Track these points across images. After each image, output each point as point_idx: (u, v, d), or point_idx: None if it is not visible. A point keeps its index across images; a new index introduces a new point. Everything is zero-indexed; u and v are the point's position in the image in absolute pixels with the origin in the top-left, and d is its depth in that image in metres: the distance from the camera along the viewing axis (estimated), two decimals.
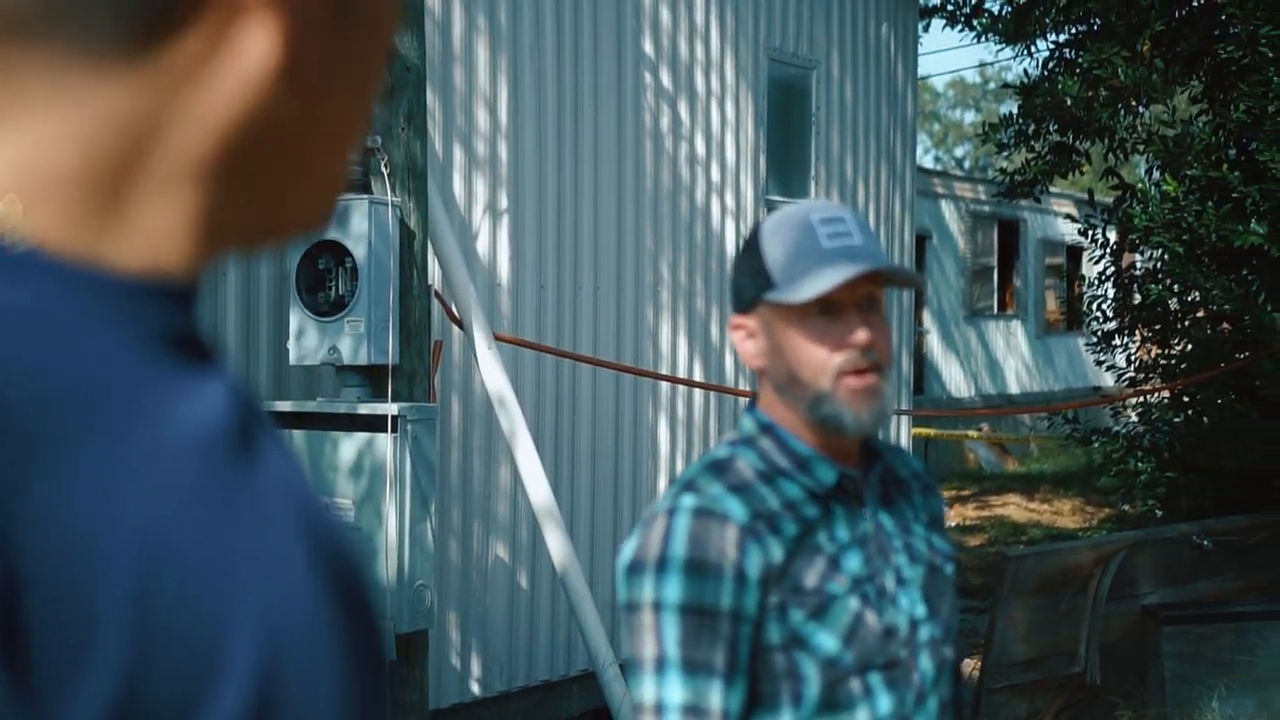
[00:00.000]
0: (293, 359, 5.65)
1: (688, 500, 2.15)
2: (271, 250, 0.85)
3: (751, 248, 2.25)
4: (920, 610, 2.26)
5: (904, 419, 10.18)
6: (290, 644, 0.72)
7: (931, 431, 17.62)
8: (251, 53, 0.74)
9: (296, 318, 5.60)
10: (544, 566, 6.67)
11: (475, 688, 6.85)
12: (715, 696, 2.09)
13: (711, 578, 2.10)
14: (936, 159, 47.00)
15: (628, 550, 2.17)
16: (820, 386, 2.18)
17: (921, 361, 20.55)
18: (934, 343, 21.06)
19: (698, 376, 8.08)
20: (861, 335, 2.17)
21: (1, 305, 0.68)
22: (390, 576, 5.29)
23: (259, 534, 0.73)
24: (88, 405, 0.68)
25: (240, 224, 0.79)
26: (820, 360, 2.18)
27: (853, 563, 2.20)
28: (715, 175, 8.28)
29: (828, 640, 2.14)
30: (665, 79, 7.90)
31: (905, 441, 10.16)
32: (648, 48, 7.79)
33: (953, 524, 16.44)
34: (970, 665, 7.92)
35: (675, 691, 2.09)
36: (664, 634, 2.10)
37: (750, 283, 2.24)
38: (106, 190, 0.73)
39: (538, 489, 5.92)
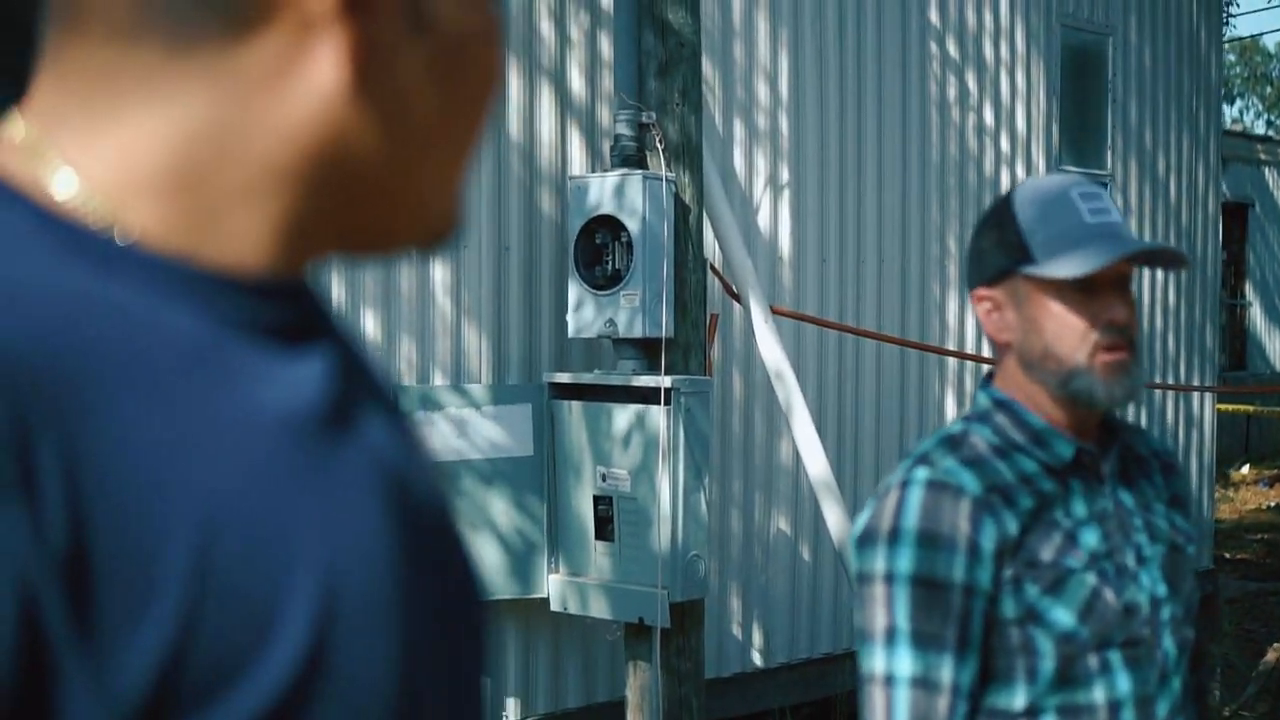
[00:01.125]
0: (571, 331, 5.76)
1: (921, 473, 2.14)
2: (383, 259, 0.89)
3: (1003, 218, 2.21)
4: (1162, 589, 2.21)
5: (1206, 396, 9.83)
6: (351, 608, 0.76)
7: (1253, 408, 16.98)
8: (322, 66, 0.78)
9: (575, 291, 5.71)
10: (826, 540, 6.66)
11: (757, 658, 6.88)
12: (946, 670, 2.08)
13: (944, 550, 2.09)
14: (1270, 123, 45.05)
15: (860, 522, 2.18)
16: (1076, 361, 2.16)
17: (1242, 335, 19.82)
18: (1256, 315, 20.28)
19: (985, 352, 7.94)
20: (1120, 312, 2.16)
21: (93, 291, 0.73)
22: (664, 546, 5.36)
23: (331, 506, 0.78)
24: (160, 381, 0.73)
25: (333, 233, 0.83)
26: (1079, 335, 2.16)
27: (1090, 538, 2.16)
28: (1005, 146, 8.12)
29: (1064, 615, 2.11)
30: (952, 48, 7.78)
31: (1210, 419, 9.81)
32: (934, 17, 7.68)
33: (1274, 503, 15.83)
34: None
35: (905, 663, 2.08)
36: (895, 606, 2.09)
37: (1000, 254, 2.21)
38: (195, 191, 0.78)
39: (816, 463, 5.91)
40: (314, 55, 0.78)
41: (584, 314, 5.69)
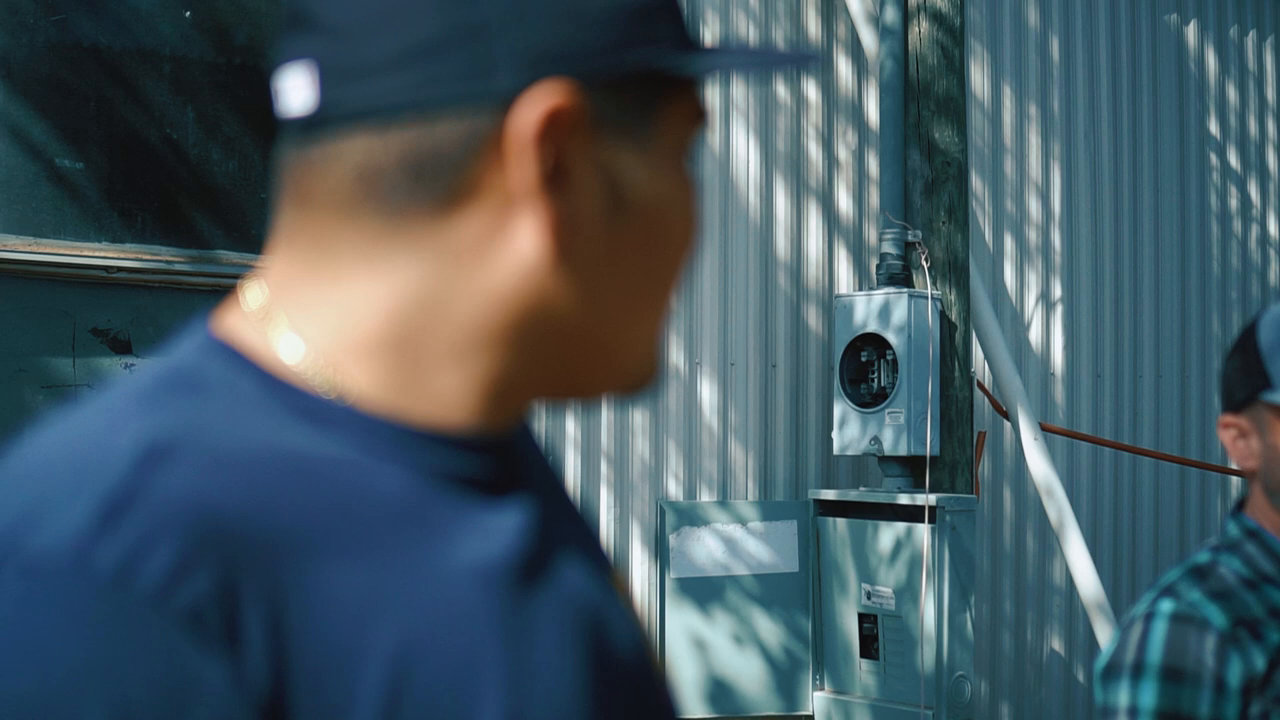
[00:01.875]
0: (836, 448, 5.79)
1: (1166, 606, 2.11)
2: (585, 406, 0.95)
3: (1246, 345, 2.19)
4: None
5: None
6: None
7: None
8: (524, 239, 0.85)
9: (840, 408, 5.75)
10: None
11: None
12: None
13: (1189, 686, 2.06)
14: None
15: (1105, 655, 2.16)
16: None
17: None
18: None
19: None
20: None
21: (311, 451, 0.82)
22: (929, 666, 5.31)
23: (522, 651, 0.84)
24: (365, 536, 0.82)
25: (535, 387, 0.90)
26: None
27: None
28: None
29: None
30: (1233, 159, 7.63)
31: None
32: (1214, 128, 7.55)
33: None
34: None
35: None
36: None
37: (1244, 381, 2.19)
38: (407, 355, 0.86)
39: (1088, 583, 5.81)
40: (517, 228, 0.85)
41: (849, 431, 5.72)
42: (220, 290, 5.04)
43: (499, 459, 0.89)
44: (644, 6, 0.87)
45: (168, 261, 4.96)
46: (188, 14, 5.06)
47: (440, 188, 0.84)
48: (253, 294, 0.89)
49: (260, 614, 0.75)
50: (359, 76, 0.84)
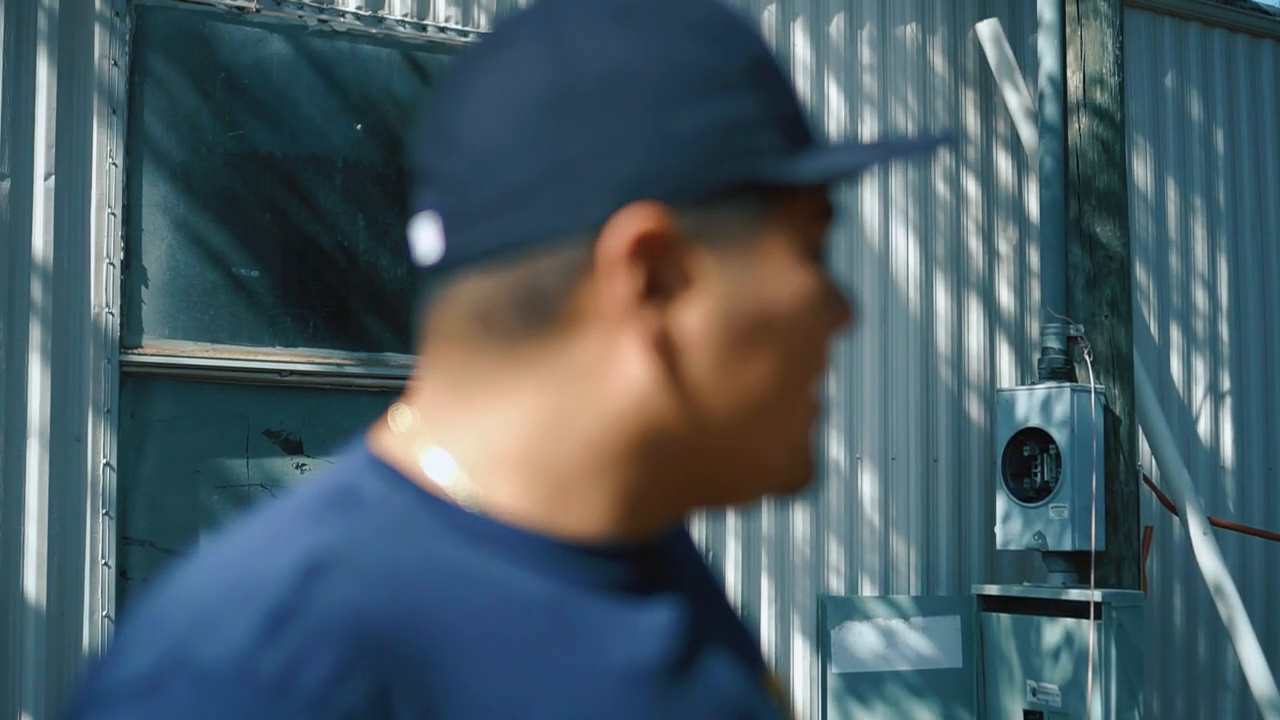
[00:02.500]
0: (999, 543, 5.76)
1: None
2: (739, 510, 0.99)
3: None
4: None
5: None
6: None
7: None
8: (631, 359, 0.90)
9: (1003, 503, 5.72)
10: None
11: None
12: None
13: None
14: None
15: None
16: None
17: None
18: None
19: None
20: None
21: (458, 560, 0.89)
22: None
23: None
24: (514, 642, 0.87)
25: (675, 497, 0.95)
26: None
27: None
28: None
29: None
30: None
31: None
32: None
33: None
34: None
35: None
36: None
37: None
38: (545, 472, 0.92)
39: (1261, 681, 5.69)
40: (623, 349, 0.89)
41: (1012, 526, 5.69)
42: (388, 391, 5.19)
43: (644, 564, 0.93)
44: (740, 122, 0.89)
45: (338, 364, 5.13)
46: (359, 126, 5.26)
47: (548, 317, 0.88)
48: (402, 418, 0.94)
49: (412, 717, 0.80)
50: (471, 222, 0.88)
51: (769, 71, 0.93)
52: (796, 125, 0.93)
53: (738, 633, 1.01)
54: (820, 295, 0.93)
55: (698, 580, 1.00)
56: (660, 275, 0.88)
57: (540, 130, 0.87)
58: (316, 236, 5.15)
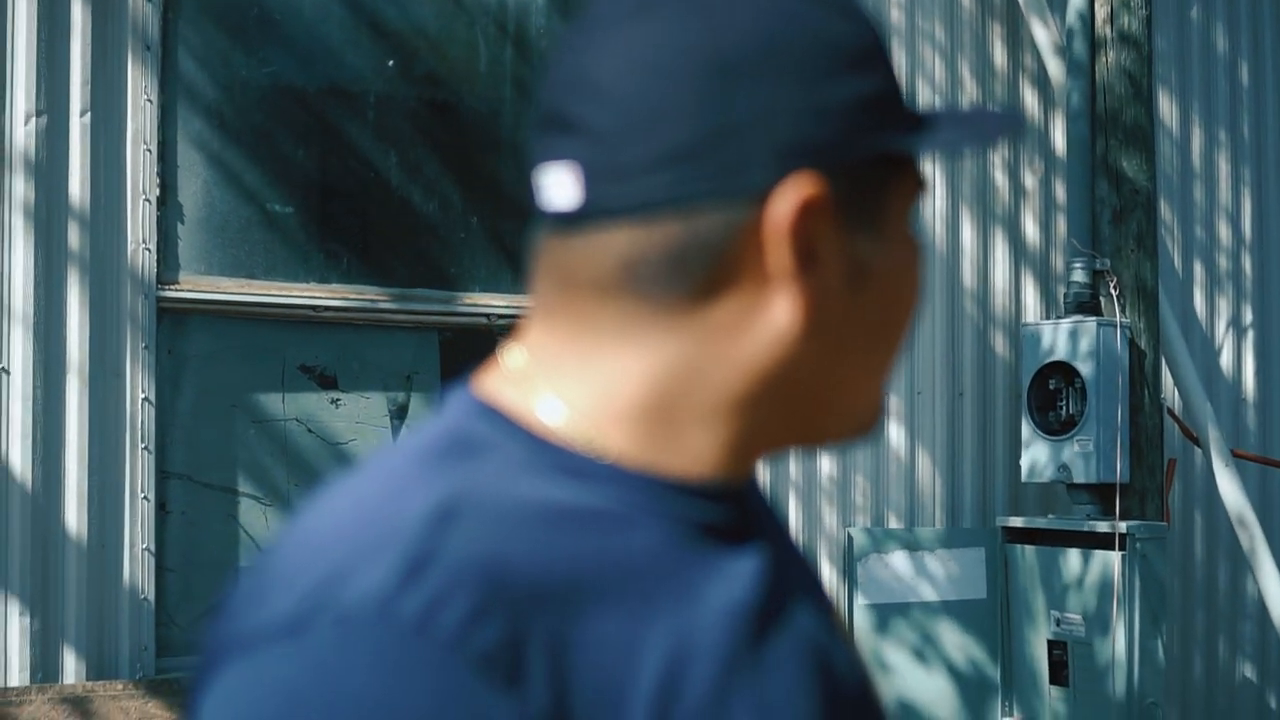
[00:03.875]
0: (1024, 476, 5.80)
1: None
2: (812, 451, 1.05)
3: None
4: None
5: None
6: None
7: None
8: (779, 316, 0.95)
9: (1028, 436, 5.77)
10: None
11: None
12: None
13: None
14: None
15: None
16: None
17: None
18: None
19: None
20: None
21: (577, 503, 0.93)
22: (1120, 693, 5.31)
23: (764, 686, 0.95)
24: (630, 584, 0.92)
25: (774, 439, 1.01)
26: None
27: None
28: None
29: None
30: None
31: None
32: None
33: None
34: None
35: None
36: None
37: None
38: (661, 418, 0.97)
39: None
40: (771, 306, 0.93)
41: (1037, 459, 5.74)
42: (422, 327, 5.24)
43: (739, 508, 0.97)
44: (878, 96, 0.95)
45: (372, 300, 5.17)
46: (391, 63, 5.27)
47: (699, 275, 0.92)
48: (513, 357, 0.98)
49: (542, 657, 0.84)
50: (622, 177, 0.91)
51: (886, 49, 0.98)
52: (908, 104, 0.99)
53: (809, 576, 1.06)
54: (920, 260, 1.00)
55: (773, 526, 1.05)
56: (814, 240, 0.92)
57: (703, 93, 0.90)
58: (349, 173, 5.18)
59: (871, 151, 0.94)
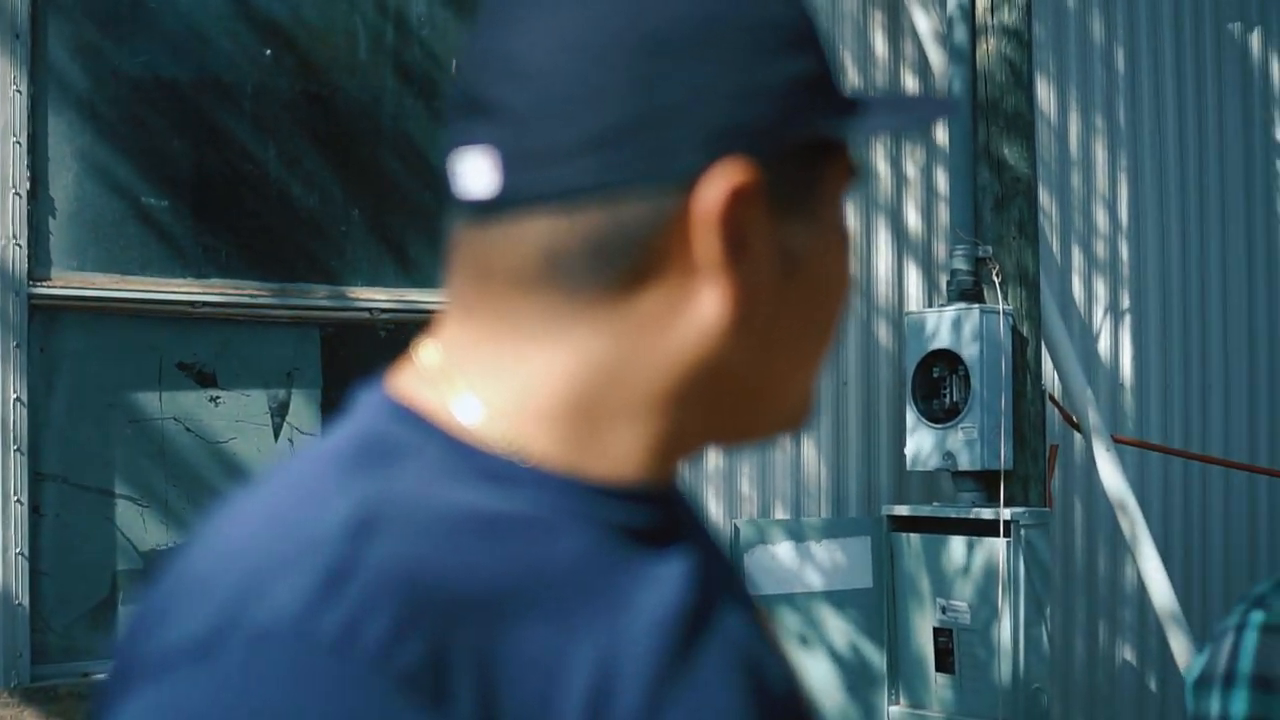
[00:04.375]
0: (909, 464, 5.83)
1: (1257, 617, 2.14)
2: (742, 448, 1.01)
3: None
4: None
5: None
6: None
7: None
8: (706, 308, 0.90)
9: (912, 424, 5.79)
10: (1173, 671, 6.52)
11: None
12: None
13: (1279, 694, 2.09)
14: None
15: (1196, 665, 2.19)
16: None
17: None
18: None
19: None
20: None
21: (499, 510, 0.88)
22: (1005, 679, 5.35)
23: (696, 693, 0.91)
24: (554, 594, 0.87)
25: (701, 436, 0.96)
26: None
27: None
28: None
29: None
30: None
31: None
32: (1279, 134, 7.54)
33: None
34: None
35: None
36: None
37: None
38: (585, 418, 0.92)
39: (1162, 594, 5.82)
40: (698, 298, 0.89)
41: (922, 447, 5.76)
42: (302, 322, 5.13)
43: (662, 509, 0.94)
44: (811, 78, 0.91)
45: (251, 295, 5.05)
46: (268, 52, 5.16)
47: (623, 266, 0.88)
48: (428, 354, 0.93)
49: (467, 674, 0.80)
50: (543, 162, 0.86)
51: (818, 30, 0.95)
52: (841, 86, 0.95)
53: (735, 577, 1.03)
54: (847, 248, 0.97)
55: (696, 526, 1.01)
56: (744, 229, 0.88)
57: (627, 75, 0.86)
58: (226, 165, 5.06)
59: (804, 135, 0.91)
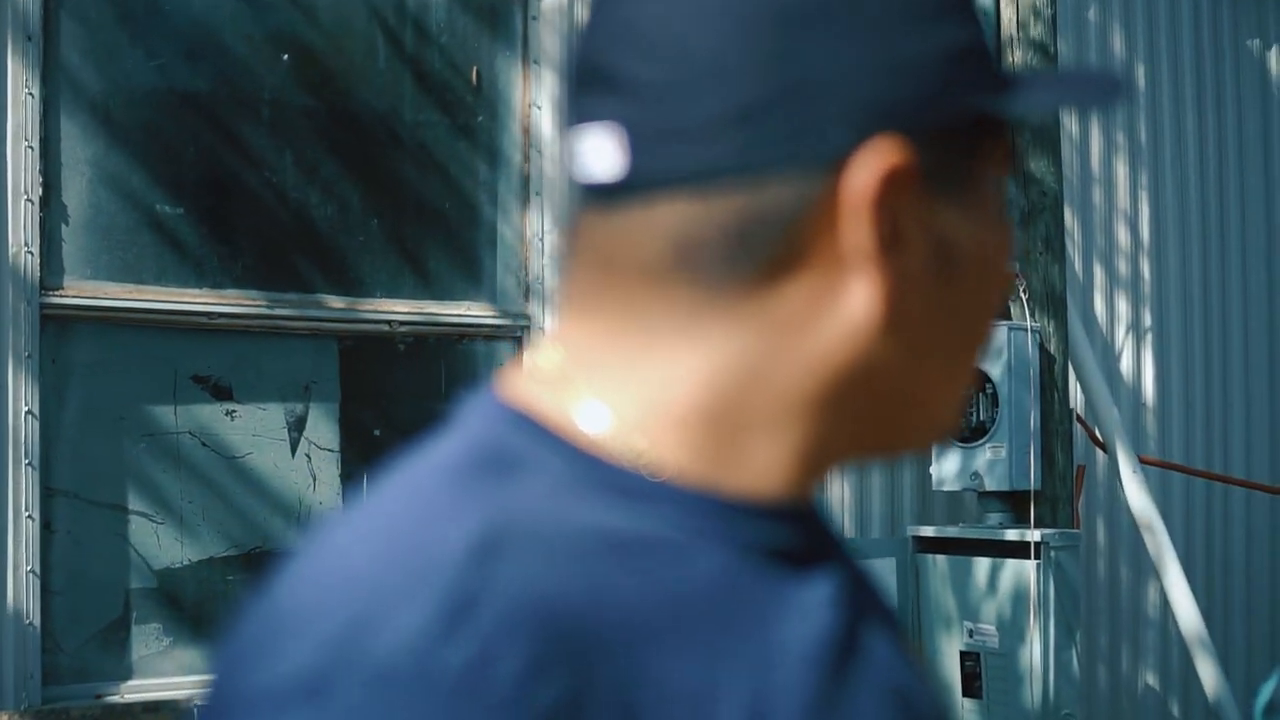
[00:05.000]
0: (935, 484, 5.73)
1: None
2: (889, 461, 0.91)
3: None
4: None
5: None
6: None
7: None
8: (855, 303, 0.81)
9: (939, 443, 5.69)
10: (1197, 693, 6.43)
11: None
12: None
13: None
14: None
15: (1265, 692, 2.16)
16: None
17: None
18: None
19: None
20: None
21: (630, 529, 0.78)
22: (1035, 703, 5.24)
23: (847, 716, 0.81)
24: (692, 622, 0.78)
25: (846, 448, 0.86)
26: None
27: None
28: None
29: None
30: None
31: None
32: None
33: None
34: None
35: None
36: None
37: None
38: (723, 426, 0.82)
39: (1187, 616, 5.74)
40: (847, 291, 0.81)
41: (948, 467, 5.66)
42: (320, 334, 5.04)
43: (806, 528, 0.86)
44: (966, 50, 0.83)
45: (268, 307, 4.95)
46: (285, 58, 5.06)
47: (765, 255, 0.80)
48: (547, 357, 0.85)
49: (610, 712, 0.72)
50: (676, 140, 0.79)
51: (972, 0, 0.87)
52: (996, 60, 0.87)
53: (880, 600, 0.93)
54: (1010, 243, 0.88)
55: (838, 544, 0.91)
56: (899, 216, 0.80)
57: (770, 46, 0.78)
58: (243, 174, 4.95)
59: (962, 112, 0.82)
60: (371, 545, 0.74)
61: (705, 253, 0.80)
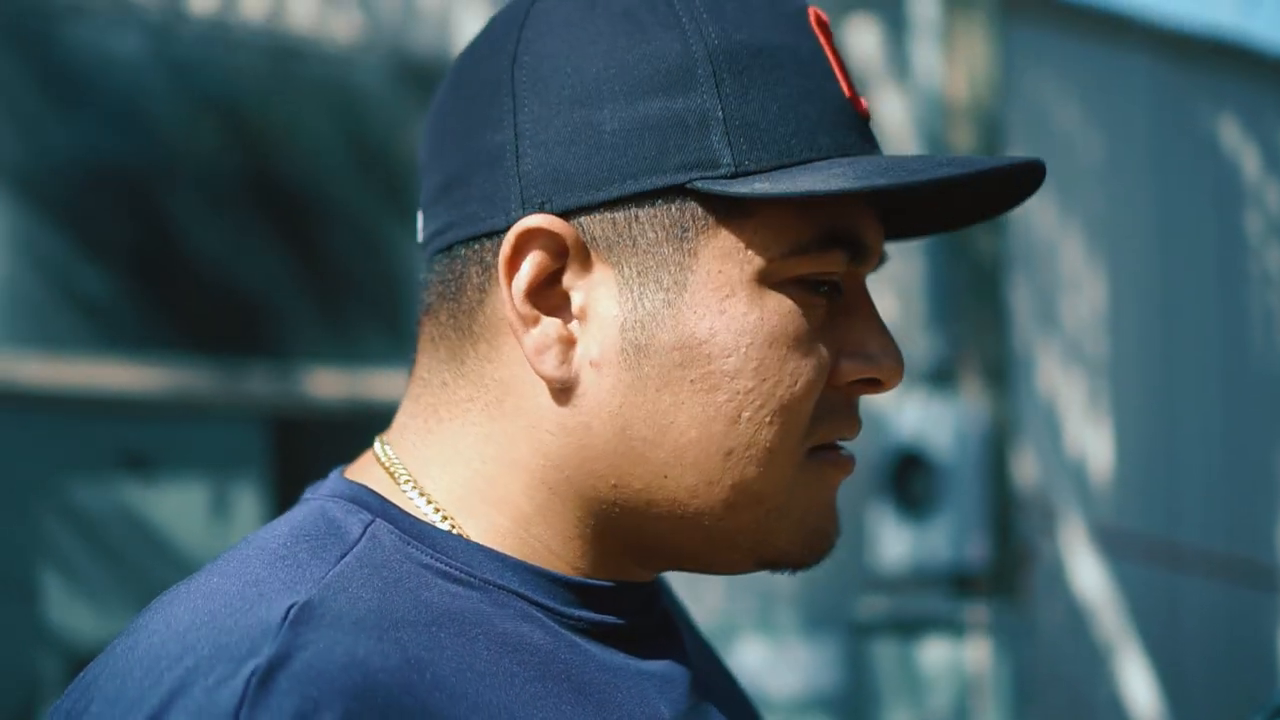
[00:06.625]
0: (881, 563, 5.66)
1: None
2: (731, 574, 0.88)
3: None
4: None
5: None
6: None
7: None
8: (541, 390, 0.83)
9: (884, 521, 5.61)
10: None
11: None
12: None
13: None
14: None
15: None
16: None
17: None
18: None
19: None
20: None
21: (450, 606, 0.79)
22: None
23: None
24: (520, 692, 0.79)
25: (637, 552, 0.85)
26: None
27: None
28: None
29: None
30: (1275, 258, 7.57)
31: None
32: (1252, 225, 7.52)
33: None
34: None
35: None
36: None
37: None
38: (505, 504, 0.84)
39: (1140, 697, 5.67)
40: (536, 379, 0.81)
41: (894, 545, 5.58)
42: (247, 409, 4.97)
43: (633, 609, 0.85)
44: (680, 122, 0.79)
45: (190, 381, 4.87)
46: (211, 127, 4.99)
47: (473, 323, 0.83)
48: (380, 449, 0.88)
49: None
50: (426, 215, 0.86)
51: (764, 63, 0.80)
52: (777, 130, 0.79)
53: (728, 682, 0.95)
54: (786, 334, 0.80)
55: (685, 628, 0.93)
56: (550, 286, 0.80)
57: (473, 117, 0.83)
58: (167, 244, 4.88)
59: (649, 187, 0.79)
60: (194, 616, 0.76)
61: (440, 321, 0.84)
